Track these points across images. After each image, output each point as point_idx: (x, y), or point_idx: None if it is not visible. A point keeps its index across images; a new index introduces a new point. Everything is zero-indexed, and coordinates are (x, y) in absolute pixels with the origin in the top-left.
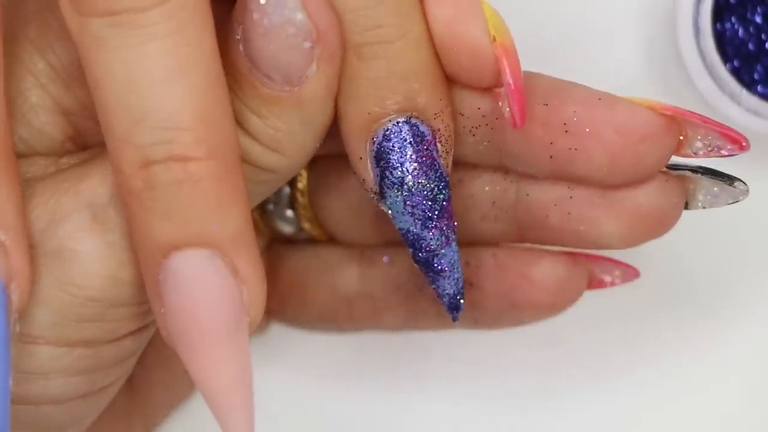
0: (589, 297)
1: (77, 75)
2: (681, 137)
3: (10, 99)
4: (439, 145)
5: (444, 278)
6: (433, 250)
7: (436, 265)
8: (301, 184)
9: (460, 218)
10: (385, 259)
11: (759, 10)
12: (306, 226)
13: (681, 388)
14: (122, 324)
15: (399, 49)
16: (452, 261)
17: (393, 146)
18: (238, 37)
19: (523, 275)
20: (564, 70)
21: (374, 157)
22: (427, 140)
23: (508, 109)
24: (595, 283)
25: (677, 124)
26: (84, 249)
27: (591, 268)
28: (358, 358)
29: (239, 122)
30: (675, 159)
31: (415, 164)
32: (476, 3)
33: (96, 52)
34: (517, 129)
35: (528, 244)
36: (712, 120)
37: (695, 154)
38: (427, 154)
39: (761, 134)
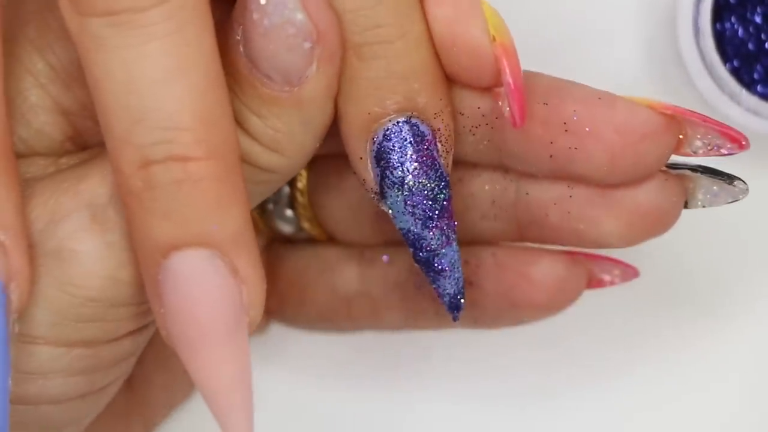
0: (589, 296)
1: (77, 75)
2: (680, 136)
3: (10, 99)
4: (439, 144)
5: (444, 278)
6: (434, 250)
7: (436, 264)
8: (301, 184)
9: (459, 217)
10: (384, 258)
11: (759, 9)
12: (305, 225)
13: (680, 387)
14: (122, 324)
15: (399, 48)
16: (453, 260)
17: (393, 146)
18: (238, 38)
19: (522, 274)
20: (564, 70)
21: (374, 157)
22: (428, 140)
23: (507, 108)
24: (594, 283)
25: (677, 123)
26: (83, 249)
27: (590, 267)
28: (358, 358)
29: (239, 122)
30: (675, 158)
31: (416, 164)
32: (476, 3)
33: (95, 52)
34: (517, 128)
35: (528, 243)
36: (712, 119)
37: (695, 153)
38: (428, 153)
39: (761, 134)
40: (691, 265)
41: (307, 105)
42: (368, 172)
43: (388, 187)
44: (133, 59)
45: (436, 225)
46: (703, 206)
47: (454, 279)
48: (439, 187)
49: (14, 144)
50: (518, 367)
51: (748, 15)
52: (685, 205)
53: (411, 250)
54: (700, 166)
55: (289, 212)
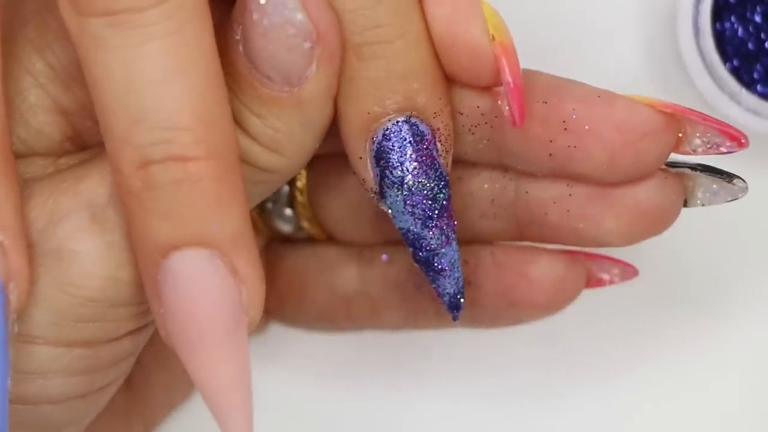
0: (588, 295)
1: (76, 75)
2: (680, 134)
3: (9, 99)
4: (438, 144)
5: (444, 277)
6: (434, 250)
7: (436, 264)
8: (301, 183)
9: (459, 216)
10: (384, 258)
11: (759, 9)
12: (305, 225)
13: (680, 385)
14: (121, 324)
15: (398, 48)
16: (452, 260)
17: (393, 146)
18: (238, 38)
19: (521, 274)
20: (564, 69)
21: (374, 156)
22: (427, 139)
23: (507, 107)
24: (593, 282)
25: (676, 122)
26: (83, 249)
27: (589, 266)
28: (358, 358)
29: (238, 122)
30: (674, 156)
31: (415, 163)
32: (475, 2)
33: (95, 52)
34: (517, 127)
35: (527, 242)
36: (711, 117)
37: (694, 151)
38: (427, 153)
39: (761, 133)
40: (691, 264)
41: (306, 105)
42: (368, 171)
43: (388, 187)
44: (132, 59)
45: (436, 224)
46: (703, 205)
47: (454, 278)
48: (438, 186)
49: (13, 144)
50: (518, 366)
51: (748, 14)
52: (685, 204)
53: (411, 249)
54: (699, 165)
55: (288, 211)
